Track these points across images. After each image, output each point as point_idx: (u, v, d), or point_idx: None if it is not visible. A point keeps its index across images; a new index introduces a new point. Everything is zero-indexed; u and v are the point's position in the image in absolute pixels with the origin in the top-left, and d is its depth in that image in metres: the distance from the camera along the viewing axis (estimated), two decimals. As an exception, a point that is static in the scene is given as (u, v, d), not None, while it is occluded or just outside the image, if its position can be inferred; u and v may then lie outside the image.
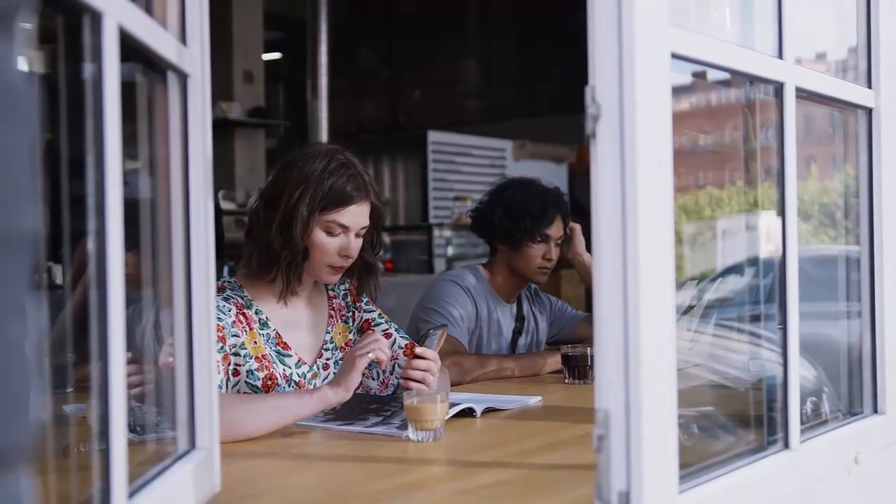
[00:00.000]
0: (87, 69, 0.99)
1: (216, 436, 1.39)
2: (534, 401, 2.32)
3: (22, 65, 0.57)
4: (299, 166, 2.16)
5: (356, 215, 2.18)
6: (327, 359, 2.31)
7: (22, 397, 0.53)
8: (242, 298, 2.20)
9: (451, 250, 7.49)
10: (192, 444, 1.35)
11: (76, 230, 1.04)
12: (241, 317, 2.16)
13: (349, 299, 2.40)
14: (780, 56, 1.49)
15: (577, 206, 3.97)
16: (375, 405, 2.12)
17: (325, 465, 1.72)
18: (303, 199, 2.13)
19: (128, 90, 1.05)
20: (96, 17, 0.97)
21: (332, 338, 2.34)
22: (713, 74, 1.53)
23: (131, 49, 1.08)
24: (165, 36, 1.23)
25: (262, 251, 2.18)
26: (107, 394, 0.99)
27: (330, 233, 2.17)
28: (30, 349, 0.54)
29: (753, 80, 1.54)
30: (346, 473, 1.65)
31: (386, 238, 7.80)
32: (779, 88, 1.50)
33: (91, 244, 0.99)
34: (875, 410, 1.79)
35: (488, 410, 2.16)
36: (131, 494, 1.06)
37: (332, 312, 2.36)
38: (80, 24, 0.98)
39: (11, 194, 0.52)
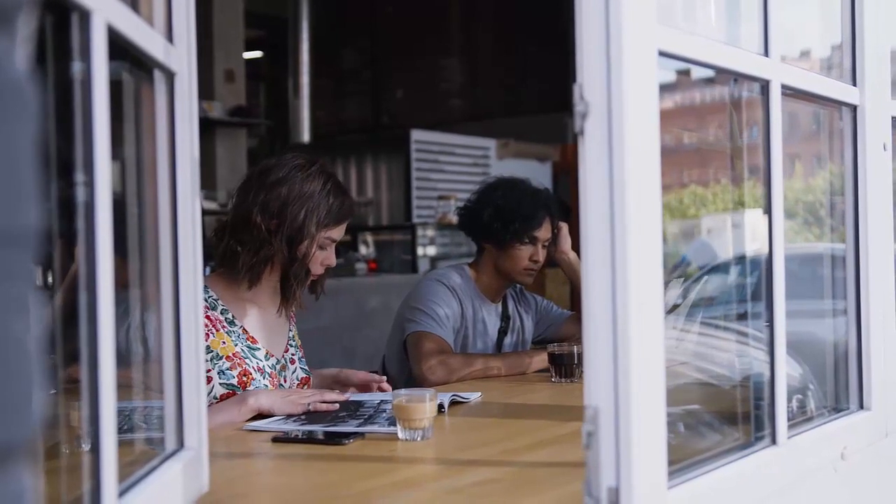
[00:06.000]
0: (75, 67, 0.98)
1: (205, 436, 1.38)
2: (474, 397, 2.32)
3: (23, 62, 0.57)
4: (297, 183, 2.21)
5: (343, 229, 2.30)
6: (292, 354, 2.39)
7: (25, 393, 0.53)
8: (206, 300, 2.21)
9: (434, 250, 7.47)
10: (181, 444, 1.34)
11: (62, 231, 1.03)
12: (206, 319, 2.17)
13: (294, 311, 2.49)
14: (766, 54, 1.50)
15: (561, 205, 3.97)
16: (354, 407, 2.13)
17: (314, 465, 1.71)
18: (310, 219, 2.19)
19: (113, 89, 1.04)
20: (85, 15, 0.97)
21: (293, 336, 2.42)
22: (697, 72, 1.54)
23: (117, 47, 1.07)
24: (153, 34, 1.22)
25: (264, 262, 2.22)
26: (97, 395, 0.98)
27: (322, 247, 2.25)
28: (32, 345, 0.54)
29: (740, 77, 1.54)
30: (334, 473, 1.65)
31: (369, 238, 7.79)
32: (765, 86, 1.50)
33: (79, 245, 0.98)
34: (861, 406, 1.80)
35: (454, 403, 2.21)
36: (121, 494, 1.05)
37: (292, 313, 2.44)
38: (67, 21, 0.97)
39: (16, 191, 0.53)
